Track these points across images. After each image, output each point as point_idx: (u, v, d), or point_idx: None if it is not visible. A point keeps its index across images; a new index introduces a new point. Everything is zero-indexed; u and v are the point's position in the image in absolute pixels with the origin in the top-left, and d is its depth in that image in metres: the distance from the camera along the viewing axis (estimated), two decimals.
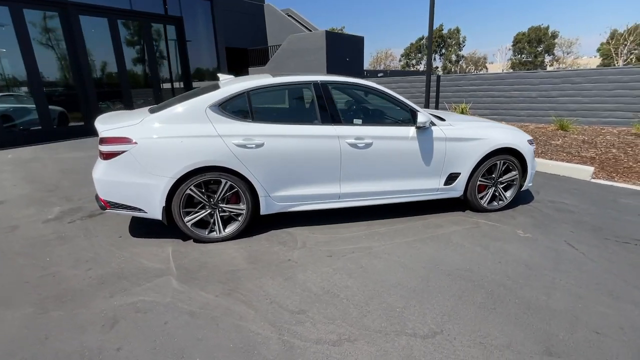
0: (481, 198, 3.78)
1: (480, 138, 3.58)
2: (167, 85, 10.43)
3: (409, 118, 3.49)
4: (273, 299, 2.38)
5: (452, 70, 57.54)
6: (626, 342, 2.01)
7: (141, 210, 3.00)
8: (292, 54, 14.33)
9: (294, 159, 3.15)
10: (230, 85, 3.20)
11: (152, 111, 3.26)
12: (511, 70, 53.40)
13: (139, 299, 2.38)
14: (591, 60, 51.65)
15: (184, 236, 3.23)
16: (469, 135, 3.56)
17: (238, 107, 3.15)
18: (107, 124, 3.01)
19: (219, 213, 3.14)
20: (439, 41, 57.72)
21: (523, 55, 54.62)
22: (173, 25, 10.05)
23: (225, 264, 2.83)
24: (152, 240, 3.21)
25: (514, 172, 3.78)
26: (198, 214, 3.08)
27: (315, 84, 3.33)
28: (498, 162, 3.69)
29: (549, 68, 51.35)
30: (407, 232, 3.39)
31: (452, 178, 3.61)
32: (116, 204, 2.99)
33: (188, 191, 2.98)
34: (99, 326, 2.12)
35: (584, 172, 5.08)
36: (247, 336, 2.05)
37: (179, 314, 2.23)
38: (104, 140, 2.90)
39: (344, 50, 14.45)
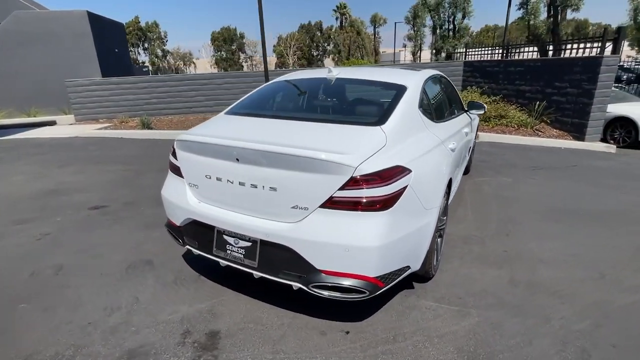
0: None
1: (476, 116, 4.69)
2: None
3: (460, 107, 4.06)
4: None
5: (161, 65, 55.53)
6: None
7: (408, 268, 2.03)
8: (28, 39, 9.45)
9: (459, 158, 3.05)
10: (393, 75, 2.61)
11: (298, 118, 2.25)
12: (215, 66, 58.12)
13: None
14: (272, 59, 64.63)
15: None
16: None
17: (425, 106, 2.62)
18: (349, 152, 1.74)
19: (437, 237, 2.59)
20: (139, 34, 53.54)
21: (222, 53, 60.58)
22: None
23: (500, 284, 2.51)
24: (379, 315, 2.20)
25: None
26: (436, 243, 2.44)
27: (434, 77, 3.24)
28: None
29: (244, 65, 59.81)
30: (488, 203, 4.07)
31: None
32: (393, 274, 1.87)
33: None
34: None
35: None
36: None
37: None
38: (374, 179, 1.71)
39: (110, 39, 11.18)
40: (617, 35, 7.39)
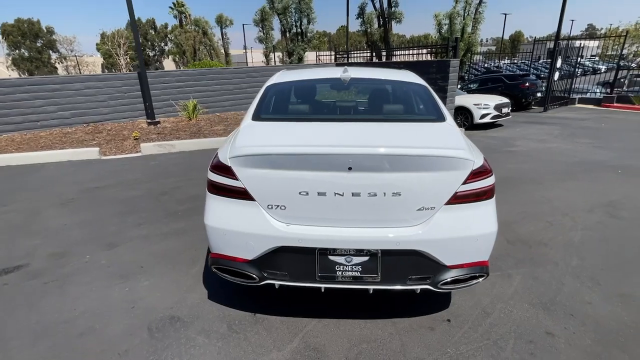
0: None
1: None
2: None
3: None
4: None
5: None
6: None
7: None
8: None
9: None
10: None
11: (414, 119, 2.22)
12: (14, 68, 45.63)
13: None
14: (97, 59, 54.82)
15: None
16: None
17: None
18: (461, 148, 1.83)
19: None
20: None
21: (23, 51, 48.28)
22: None
23: (505, 246, 3.00)
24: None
25: None
26: None
27: None
28: None
29: (58, 67, 48.87)
30: None
31: None
32: None
33: None
34: None
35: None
36: None
37: None
38: (484, 171, 1.85)
39: None
40: (455, 44, 9.51)
